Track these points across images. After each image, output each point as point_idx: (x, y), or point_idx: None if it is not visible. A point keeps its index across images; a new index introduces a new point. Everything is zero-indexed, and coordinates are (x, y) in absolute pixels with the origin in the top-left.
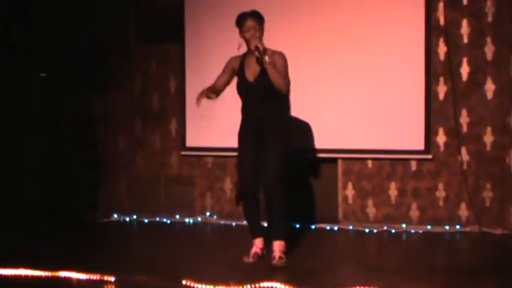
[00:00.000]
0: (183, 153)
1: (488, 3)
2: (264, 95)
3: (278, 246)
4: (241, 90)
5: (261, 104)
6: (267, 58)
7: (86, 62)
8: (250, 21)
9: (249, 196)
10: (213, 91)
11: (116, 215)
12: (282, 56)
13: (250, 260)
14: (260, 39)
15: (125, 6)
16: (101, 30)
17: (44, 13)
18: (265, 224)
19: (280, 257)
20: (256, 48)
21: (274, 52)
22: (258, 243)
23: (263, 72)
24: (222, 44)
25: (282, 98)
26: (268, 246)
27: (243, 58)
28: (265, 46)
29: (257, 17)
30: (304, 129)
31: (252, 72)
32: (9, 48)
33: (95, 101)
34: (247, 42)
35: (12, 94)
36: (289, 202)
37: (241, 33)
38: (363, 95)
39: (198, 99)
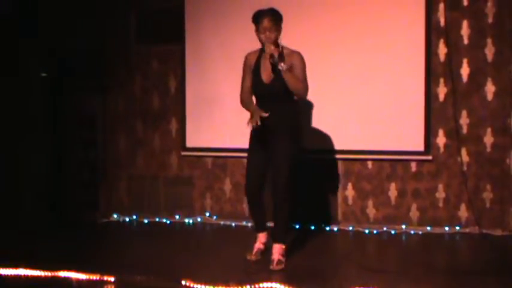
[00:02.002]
0: (183, 153)
1: (489, 4)
2: (278, 98)
3: (278, 249)
4: (256, 91)
5: (274, 106)
6: (283, 65)
7: (86, 62)
8: (266, 22)
9: (254, 195)
10: (249, 105)
11: (115, 215)
12: (299, 56)
13: (253, 257)
14: (275, 42)
15: (125, 6)
16: (101, 30)
17: (44, 13)
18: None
19: (279, 261)
20: (272, 56)
21: (292, 52)
22: (261, 238)
23: (278, 74)
24: (222, 43)
25: (294, 101)
26: (268, 248)
27: (259, 55)
28: (281, 50)
29: (274, 17)
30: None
31: (267, 73)
32: (9, 48)
33: (95, 101)
34: (262, 43)
35: (13, 94)
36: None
37: (257, 32)
38: (362, 95)
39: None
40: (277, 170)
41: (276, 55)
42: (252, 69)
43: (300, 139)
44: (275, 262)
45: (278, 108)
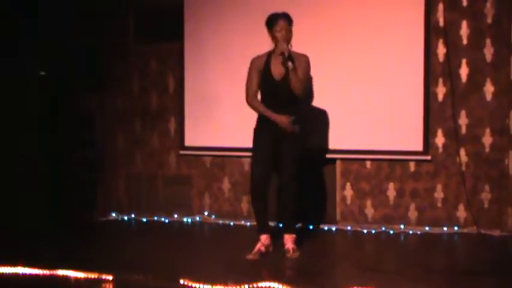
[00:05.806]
0: (182, 152)
1: (488, 4)
2: (289, 95)
3: (290, 239)
4: (266, 88)
5: (285, 103)
6: (290, 64)
7: (85, 61)
8: (283, 22)
9: (260, 188)
10: (265, 109)
11: (114, 214)
12: (306, 60)
13: (252, 257)
14: (288, 43)
15: (123, 6)
16: (100, 30)
17: (44, 13)
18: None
19: (293, 249)
20: (282, 54)
21: (299, 55)
22: (263, 240)
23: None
24: (221, 43)
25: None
26: (278, 241)
27: (268, 57)
28: (290, 51)
29: (289, 19)
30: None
31: (278, 71)
32: (8, 47)
33: (93, 100)
34: (277, 41)
35: (11, 93)
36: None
37: (273, 32)
38: (362, 95)
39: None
40: (288, 168)
41: (286, 54)
42: (261, 70)
43: (305, 137)
44: (291, 250)
45: (289, 107)
